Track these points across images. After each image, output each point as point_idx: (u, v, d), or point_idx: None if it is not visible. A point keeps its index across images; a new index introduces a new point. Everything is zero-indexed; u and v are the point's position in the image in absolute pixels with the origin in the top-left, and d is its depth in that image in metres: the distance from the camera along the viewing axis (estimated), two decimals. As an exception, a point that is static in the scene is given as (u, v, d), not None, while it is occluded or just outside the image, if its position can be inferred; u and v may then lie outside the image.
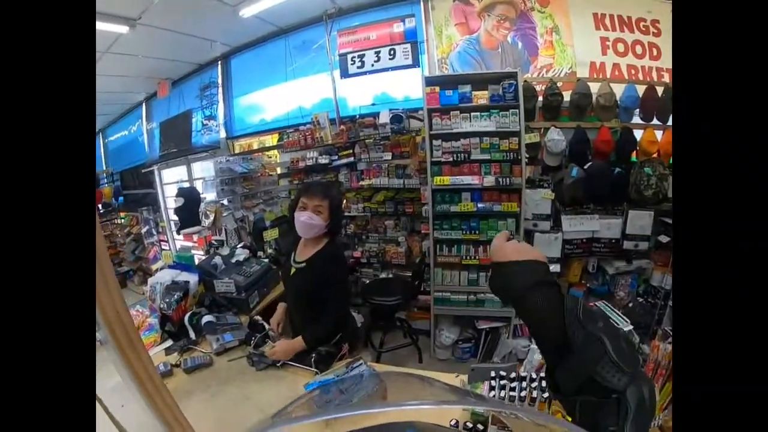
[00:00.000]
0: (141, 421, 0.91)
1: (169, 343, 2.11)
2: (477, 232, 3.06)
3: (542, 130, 3.18)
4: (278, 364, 1.75)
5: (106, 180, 7.11)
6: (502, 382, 1.27)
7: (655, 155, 3.04)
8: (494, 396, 1.23)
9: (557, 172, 3.22)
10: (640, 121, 3.14)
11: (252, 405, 1.56)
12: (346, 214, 3.71)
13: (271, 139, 4.52)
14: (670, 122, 3.08)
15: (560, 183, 3.10)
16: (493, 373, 1.32)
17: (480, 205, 3.00)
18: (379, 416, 0.43)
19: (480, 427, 1.14)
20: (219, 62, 5.00)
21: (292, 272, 1.91)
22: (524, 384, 1.25)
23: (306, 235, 1.83)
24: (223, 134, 4.96)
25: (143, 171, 6.68)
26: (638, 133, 3.11)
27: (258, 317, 2.09)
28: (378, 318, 3.47)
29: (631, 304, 3.09)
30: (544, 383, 1.23)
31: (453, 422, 1.20)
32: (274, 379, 1.70)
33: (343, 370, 1.52)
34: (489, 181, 2.94)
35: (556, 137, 3.06)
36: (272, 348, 1.75)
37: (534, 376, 1.26)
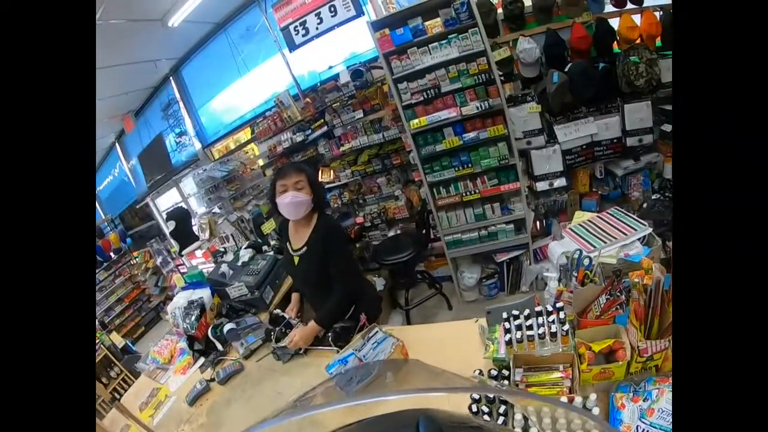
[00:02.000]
0: None
1: (201, 361, 2.18)
2: (470, 165, 2.95)
3: (510, 42, 2.99)
4: (301, 352, 1.78)
5: (108, 228, 7.20)
6: (517, 323, 1.19)
7: (638, 41, 2.80)
8: (510, 339, 1.15)
9: (538, 83, 3.03)
10: (614, 9, 2.88)
11: (285, 399, 1.61)
12: (337, 183, 3.64)
13: (245, 134, 4.43)
14: (646, 3, 2.82)
15: (544, 93, 2.91)
16: (505, 314, 1.24)
17: (465, 136, 2.87)
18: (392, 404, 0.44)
19: (505, 372, 1.10)
20: (171, 78, 4.90)
21: (295, 262, 1.89)
22: (540, 320, 1.17)
23: (296, 215, 1.79)
24: (198, 145, 4.91)
25: (138, 207, 6.74)
26: (614, 22, 2.87)
27: (277, 310, 2.10)
28: (398, 276, 3.45)
29: (645, 204, 2.97)
30: (562, 314, 1.16)
31: (477, 372, 1.15)
32: (300, 368, 1.75)
33: (361, 342, 1.51)
34: (468, 110, 2.79)
35: (527, 46, 2.87)
36: (291, 339, 1.75)
37: (550, 308, 1.18)
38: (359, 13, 3.22)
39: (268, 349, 1.92)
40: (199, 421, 1.76)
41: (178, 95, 4.85)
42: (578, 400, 0.94)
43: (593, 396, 0.93)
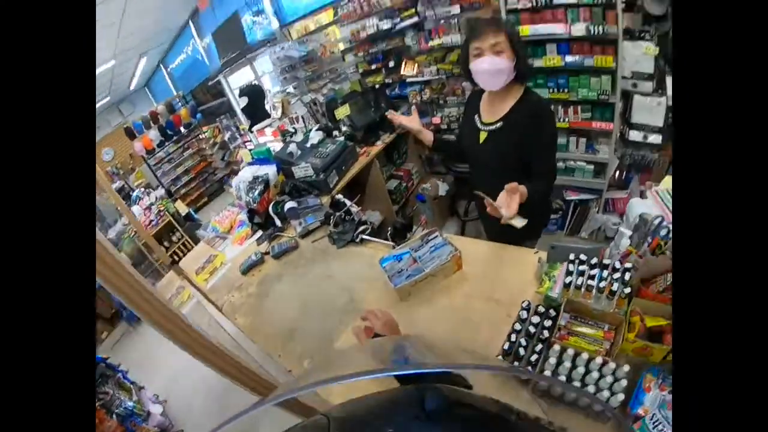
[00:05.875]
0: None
1: (259, 234, 2.32)
2: (566, 90, 2.66)
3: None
4: (357, 240, 1.82)
5: (180, 104, 7.36)
6: (581, 268, 1.15)
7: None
8: (570, 282, 1.13)
9: (662, 23, 2.59)
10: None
11: (334, 282, 1.70)
12: (420, 78, 3.34)
13: (327, 16, 4.12)
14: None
15: (665, 36, 2.53)
16: (572, 256, 1.21)
17: (568, 58, 2.55)
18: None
19: (552, 312, 1.08)
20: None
21: (480, 138, 1.58)
22: (605, 273, 1.11)
23: (494, 85, 1.45)
24: (276, 24, 4.68)
25: (210, 84, 6.86)
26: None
27: (339, 195, 2.15)
28: (462, 186, 3.37)
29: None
30: (627, 276, 1.07)
31: (525, 303, 1.13)
32: (353, 256, 1.81)
33: (419, 243, 1.53)
34: (578, 29, 2.44)
35: (665, -26, 2.40)
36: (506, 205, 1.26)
37: (618, 266, 1.10)
38: None
39: (325, 231, 1.98)
40: (249, 290, 1.88)
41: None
42: (611, 365, 0.92)
43: (626, 367, 0.90)
